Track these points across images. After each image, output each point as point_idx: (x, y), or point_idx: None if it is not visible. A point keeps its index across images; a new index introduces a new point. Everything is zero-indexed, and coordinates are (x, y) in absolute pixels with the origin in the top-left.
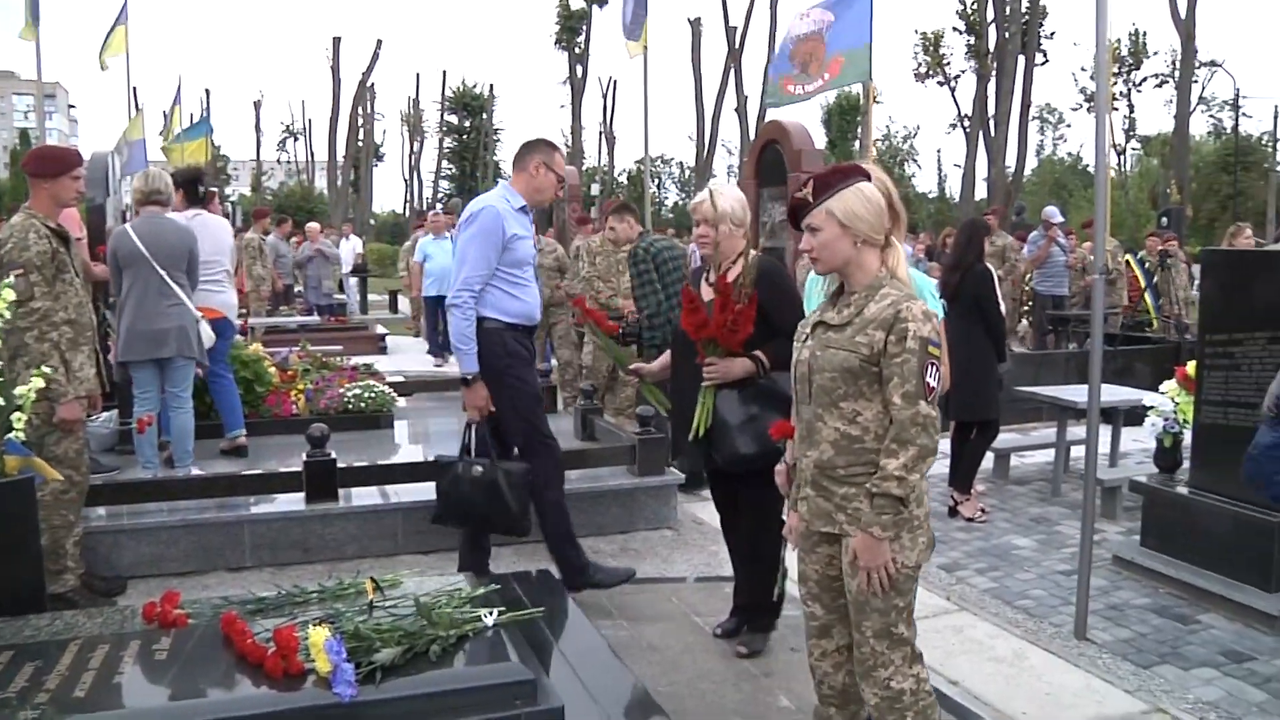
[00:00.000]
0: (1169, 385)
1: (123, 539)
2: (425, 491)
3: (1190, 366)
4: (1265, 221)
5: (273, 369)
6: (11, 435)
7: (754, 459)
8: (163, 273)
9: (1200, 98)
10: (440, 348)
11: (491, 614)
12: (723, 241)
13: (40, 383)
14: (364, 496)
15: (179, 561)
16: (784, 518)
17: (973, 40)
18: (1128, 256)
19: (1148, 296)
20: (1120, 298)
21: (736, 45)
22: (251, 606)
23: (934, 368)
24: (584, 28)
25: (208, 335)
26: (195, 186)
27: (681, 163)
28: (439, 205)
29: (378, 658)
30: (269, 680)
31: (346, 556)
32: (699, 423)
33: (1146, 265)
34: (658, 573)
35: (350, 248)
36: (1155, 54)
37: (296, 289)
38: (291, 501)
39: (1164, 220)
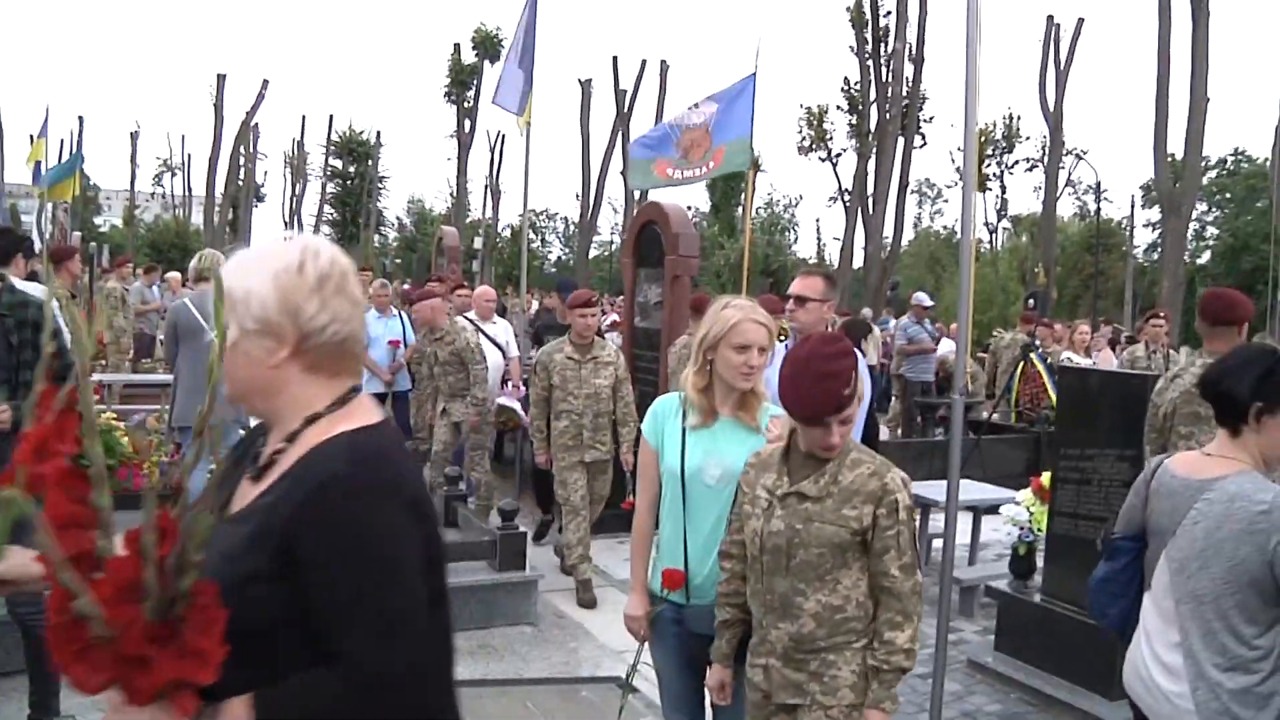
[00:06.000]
0: (1024, 494)
1: None
2: None
3: (1045, 477)
4: (1123, 302)
5: (125, 438)
6: None
7: None
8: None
9: (1067, 182)
10: None
11: None
12: (236, 368)
13: None
14: None
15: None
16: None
17: (854, 120)
18: (1032, 355)
19: (1052, 393)
20: (980, 387)
21: (626, 108)
22: None
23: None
24: (474, 83)
25: None
26: None
27: (566, 218)
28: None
29: None
30: None
31: None
32: None
33: (1049, 361)
34: (515, 672)
35: None
36: (1027, 139)
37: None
38: None
39: (1030, 302)
